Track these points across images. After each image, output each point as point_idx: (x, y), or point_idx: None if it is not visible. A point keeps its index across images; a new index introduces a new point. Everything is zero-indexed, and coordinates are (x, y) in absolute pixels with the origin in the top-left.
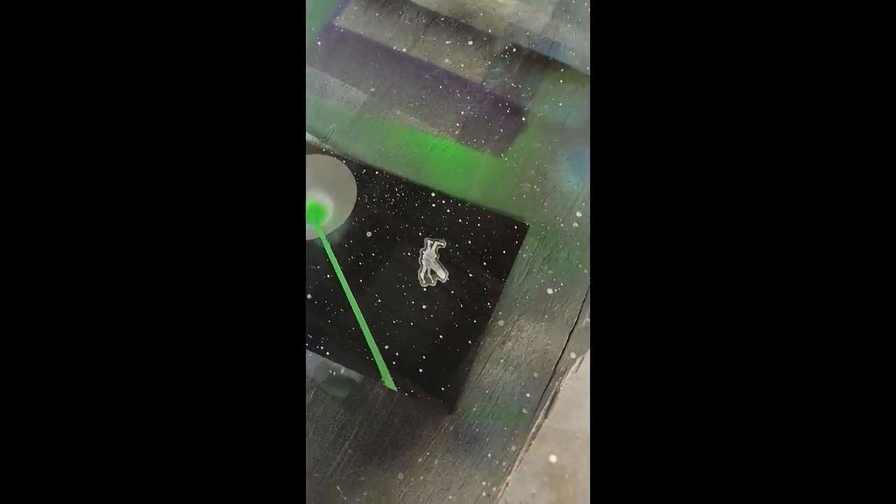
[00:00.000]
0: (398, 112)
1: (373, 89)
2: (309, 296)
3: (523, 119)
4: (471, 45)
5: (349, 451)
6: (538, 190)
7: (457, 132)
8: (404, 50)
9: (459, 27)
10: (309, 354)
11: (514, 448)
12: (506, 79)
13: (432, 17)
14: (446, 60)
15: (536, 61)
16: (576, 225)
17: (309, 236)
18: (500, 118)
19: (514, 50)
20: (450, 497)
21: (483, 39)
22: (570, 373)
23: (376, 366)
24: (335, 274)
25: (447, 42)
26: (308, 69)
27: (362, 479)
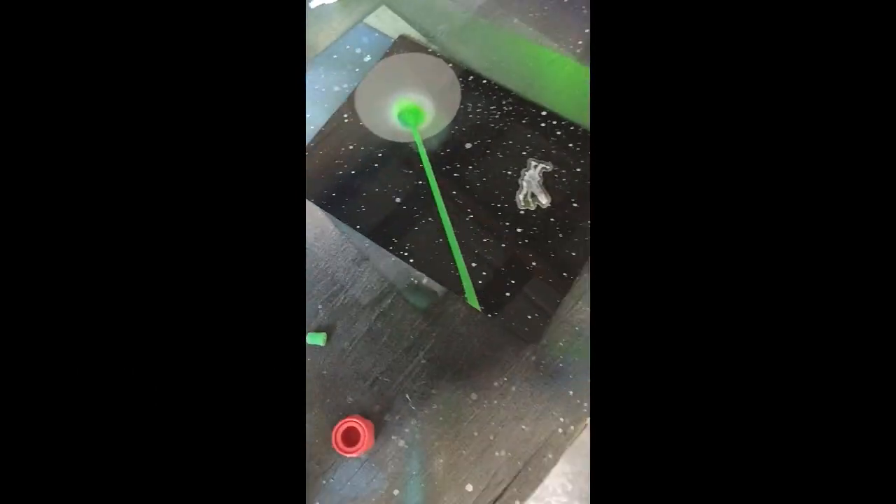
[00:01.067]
0: (516, 20)
1: None
2: (398, 199)
3: None
4: None
5: (423, 361)
6: None
7: (578, 51)
8: None
9: None
10: (392, 259)
11: None
12: None
13: None
14: None
15: None
16: None
17: (404, 139)
18: None
19: None
20: (523, 427)
21: None
22: None
23: (461, 281)
24: (427, 181)
25: None
26: None
27: (433, 391)
